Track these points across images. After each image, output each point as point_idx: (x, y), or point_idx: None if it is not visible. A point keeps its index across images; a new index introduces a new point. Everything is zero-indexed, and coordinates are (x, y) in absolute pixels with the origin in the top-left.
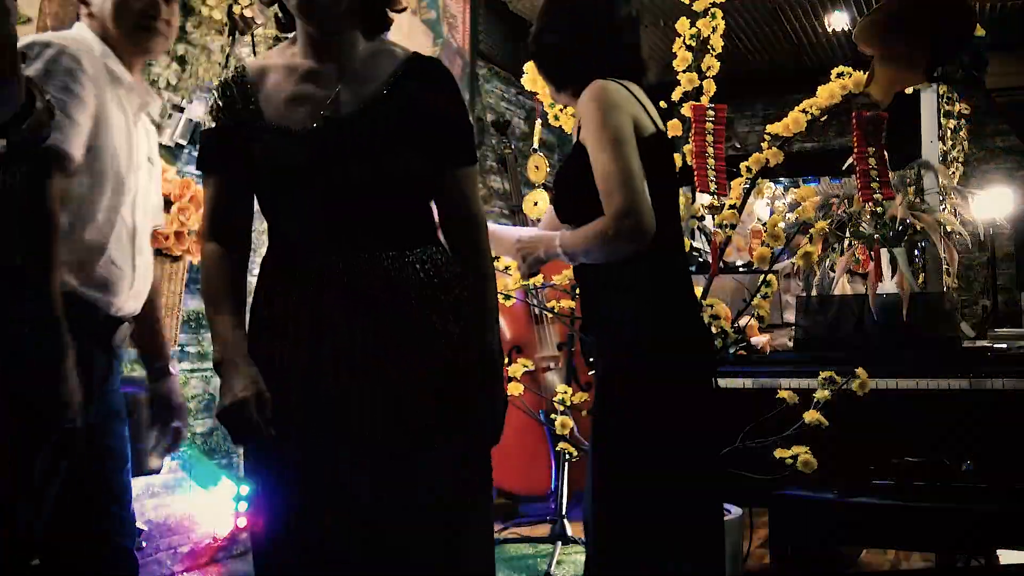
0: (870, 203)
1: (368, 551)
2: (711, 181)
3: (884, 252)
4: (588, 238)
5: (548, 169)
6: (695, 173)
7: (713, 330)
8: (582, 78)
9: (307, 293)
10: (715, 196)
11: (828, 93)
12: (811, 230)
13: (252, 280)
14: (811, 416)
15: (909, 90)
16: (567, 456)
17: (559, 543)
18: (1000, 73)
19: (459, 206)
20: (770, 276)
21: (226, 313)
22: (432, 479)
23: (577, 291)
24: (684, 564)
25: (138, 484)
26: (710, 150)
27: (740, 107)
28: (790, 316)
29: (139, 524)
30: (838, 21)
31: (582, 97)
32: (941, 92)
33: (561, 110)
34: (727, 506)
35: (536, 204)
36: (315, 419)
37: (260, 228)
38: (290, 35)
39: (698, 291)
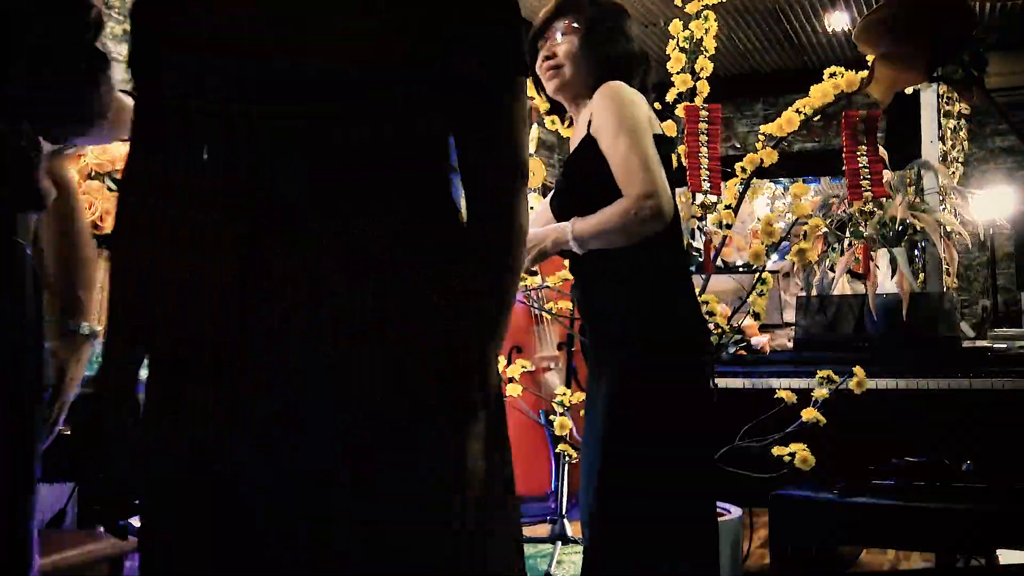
0: (859, 202)
1: (363, 526)
2: (704, 181)
3: (884, 252)
4: (606, 220)
5: (545, 172)
6: (688, 173)
7: (711, 329)
8: (597, 84)
9: (306, 259)
10: (707, 196)
11: (821, 93)
12: (804, 227)
13: None
14: (809, 414)
15: (909, 90)
16: (567, 457)
17: (559, 543)
18: (1000, 73)
19: (484, 144)
20: (765, 273)
21: None
22: (434, 459)
23: (573, 288)
24: (681, 564)
25: None
26: (703, 150)
27: (740, 107)
28: (789, 316)
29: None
30: (838, 21)
31: (598, 93)
32: (941, 92)
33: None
34: (727, 506)
35: (531, 208)
36: (314, 388)
37: None
38: None
39: (696, 291)
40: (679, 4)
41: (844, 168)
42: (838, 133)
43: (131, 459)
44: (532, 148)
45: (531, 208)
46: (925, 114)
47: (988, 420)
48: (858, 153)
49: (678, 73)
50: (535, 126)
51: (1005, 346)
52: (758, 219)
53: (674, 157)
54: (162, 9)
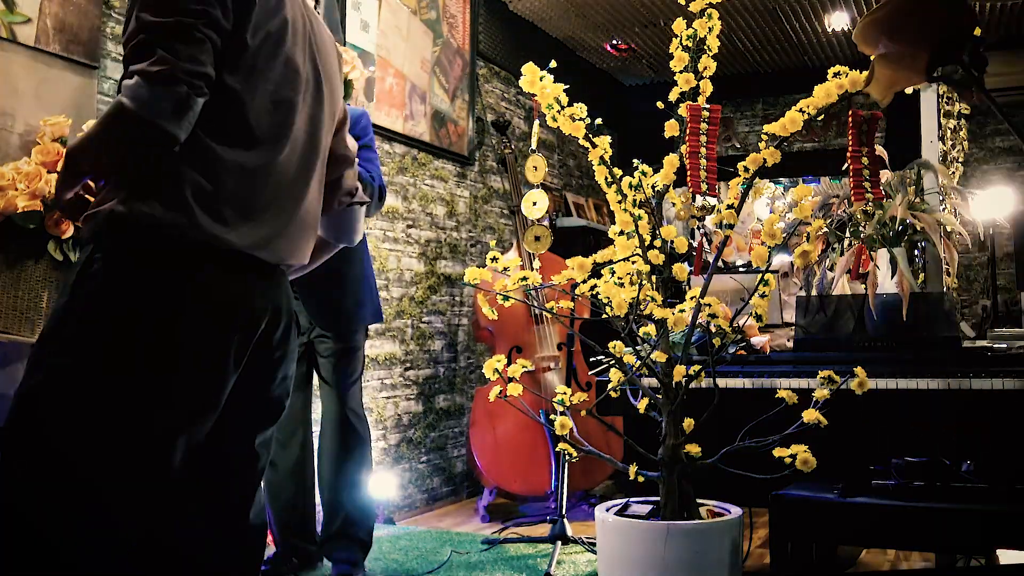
0: (862, 203)
1: None
2: (702, 182)
3: (884, 252)
4: None
5: (546, 170)
6: (688, 174)
7: (712, 329)
8: None
9: None
10: (706, 198)
11: (824, 93)
12: (808, 229)
13: None
14: (810, 415)
15: (909, 90)
16: (567, 456)
17: (559, 543)
18: (1000, 73)
19: None
20: (768, 275)
21: None
22: None
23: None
24: None
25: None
26: (703, 151)
27: (740, 107)
28: (789, 316)
29: None
30: (838, 21)
31: None
32: (941, 92)
33: (559, 111)
34: (727, 506)
35: (535, 204)
36: None
37: None
38: None
39: (697, 291)
40: (682, 2)
41: (848, 168)
42: (838, 133)
43: None
44: (533, 145)
45: (535, 203)
46: (925, 114)
47: (988, 420)
48: (861, 154)
49: (681, 72)
50: (536, 124)
51: (1005, 346)
52: (758, 219)
53: (675, 157)
54: None
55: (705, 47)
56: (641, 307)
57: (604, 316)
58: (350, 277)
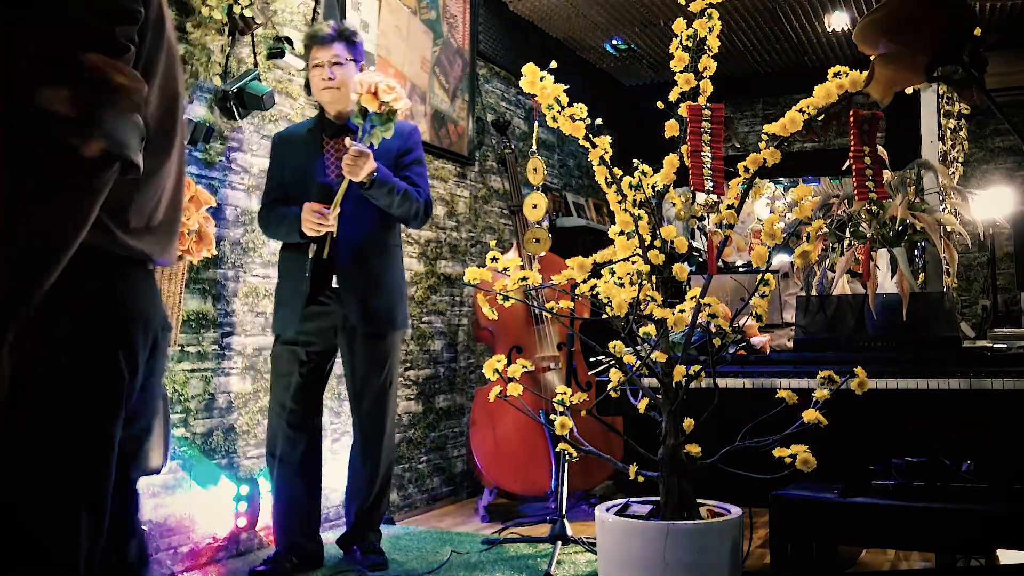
0: (866, 202)
1: None
2: (707, 181)
3: (884, 252)
4: None
5: (546, 171)
6: (690, 173)
7: (712, 329)
8: None
9: None
10: (711, 195)
11: (824, 92)
12: (808, 229)
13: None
14: (810, 415)
15: (909, 90)
16: (567, 456)
17: (559, 543)
18: (1000, 73)
19: None
20: (768, 275)
21: None
22: None
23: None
24: None
25: (138, 484)
26: (707, 150)
27: (740, 107)
28: (790, 316)
29: None
30: (838, 21)
31: None
32: (941, 92)
33: (559, 111)
34: (727, 506)
35: (535, 206)
36: None
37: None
38: None
39: (697, 291)
40: (682, 2)
41: (851, 168)
42: (838, 133)
43: None
44: (533, 146)
45: (535, 206)
46: (925, 114)
47: (988, 420)
48: (864, 153)
49: (681, 72)
50: (535, 126)
51: (1005, 346)
52: (758, 219)
53: (676, 157)
54: None
55: (705, 47)
56: (641, 307)
57: (604, 316)
58: (387, 283)
